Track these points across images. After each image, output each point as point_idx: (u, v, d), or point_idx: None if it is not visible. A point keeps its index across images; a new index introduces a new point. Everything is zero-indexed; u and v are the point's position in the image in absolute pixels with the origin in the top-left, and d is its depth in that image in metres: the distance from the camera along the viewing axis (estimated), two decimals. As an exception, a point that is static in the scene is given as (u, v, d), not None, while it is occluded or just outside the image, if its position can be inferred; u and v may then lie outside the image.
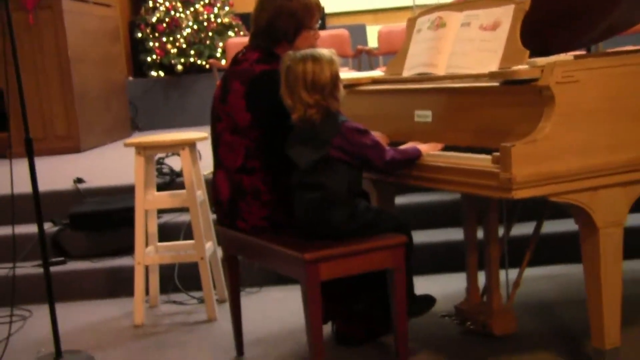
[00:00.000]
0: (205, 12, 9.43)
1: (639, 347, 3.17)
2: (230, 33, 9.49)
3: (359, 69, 7.36)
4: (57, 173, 5.83)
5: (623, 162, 2.73)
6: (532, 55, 2.90)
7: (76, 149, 7.40)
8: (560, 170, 2.63)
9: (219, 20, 9.49)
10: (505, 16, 3.04)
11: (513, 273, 3.41)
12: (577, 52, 4.00)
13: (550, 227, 4.15)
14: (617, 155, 2.72)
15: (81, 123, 7.46)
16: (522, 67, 2.76)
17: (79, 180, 5.24)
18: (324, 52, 3.02)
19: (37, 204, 3.44)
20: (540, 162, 2.59)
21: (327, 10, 10.49)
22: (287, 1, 3.23)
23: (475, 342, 3.37)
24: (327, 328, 3.45)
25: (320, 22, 3.36)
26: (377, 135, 3.19)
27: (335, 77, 2.99)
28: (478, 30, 3.15)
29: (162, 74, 9.42)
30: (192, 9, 9.42)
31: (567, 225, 3.96)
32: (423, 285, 3.64)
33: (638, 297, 3.75)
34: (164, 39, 9.33)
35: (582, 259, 2.86)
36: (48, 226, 4.78)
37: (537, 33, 3.31)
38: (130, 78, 9.69)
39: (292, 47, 3.23)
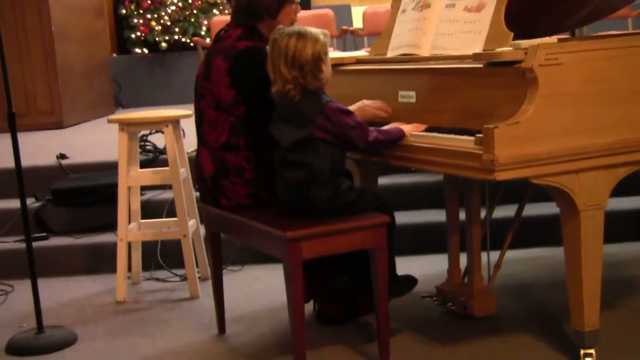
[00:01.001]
0: (191, -10, 9.37)
1: (617, 329, 3.21)
2: (215, 11, 9.44)
3: (344, 49, 7.36)
4: (39, 149, 5.81)
5: (605, 145, 2.74)
6: (516, 38, 2.90)
7: (59, 125, 7.37)
8: (542, 153, 2.64)
9: (203, -2, 9.45)
10: (491, -2, 3.04)
11: (494, 255, 3.44)
12: (561, 36, 4.01)
13: (532, 209, 4.17)
14: (599, 138, 2.73)
15: (64, 99, 7.42)
16: (506, 49, 2.76)
17: (62, 156, 5.22)
18: (312, 30, 3.02)
19: (19, 179, 3.43)
20: (523, 144, 2.60)
21: (312, -10, 10.47)
22: None
23: (455, 323, 3.40)
24: (309, 307, 3.46)
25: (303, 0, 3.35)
26: (377, 104, 3.21)
27: (318, 57, 2.99)
28: (462, 12, 3.15)
29: (146, 51, 9.38)
30: (177, -15, 9.36)
31: (548, 208, 4.02)
32: (405, 266, 3.67)
33: (617, 280, 3.78)
34: (149, 16, 9.28)
35: (563, 241, 2.88)
36: (30, 202, 4.76)
37: (522, 16, 3.32)
38: (114, 55, 9.63)
39: (274, 22, 3.23)
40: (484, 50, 2.96)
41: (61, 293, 4.21)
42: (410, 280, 3.33)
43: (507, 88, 2.75)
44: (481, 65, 2.86)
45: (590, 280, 2.84)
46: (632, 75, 2.81)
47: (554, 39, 2.82)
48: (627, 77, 2.79)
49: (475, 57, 2.89)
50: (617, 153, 2.78)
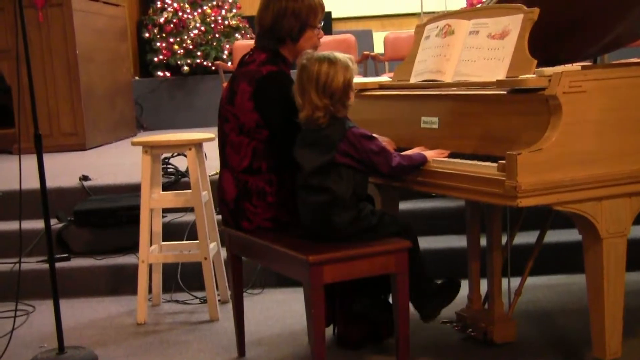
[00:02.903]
0: (213, 14, 9.45)
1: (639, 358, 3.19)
2: (237, 35, 9.51)
3: (365, 74, 7.38)
4: (62, 170, 5.85)
5: (628, 173, 2.75)
6: (539, 65, 2.92)
7: (82, 147, 7.43)
8: (565, 180, 2.65)
9: (226, 22, 9.52)
10: (514, 25, 3.06)
11: (515, 281, 3.43)
12: (584, 63, 4.02)
13: (553, 236, 4.17)
14: (622, 165, 2.74)
15: (87, 121, 7.48)
16: (530, 76, 2.78)
17: (85, 178, 5.26)
18: (342, 57, 3.04)
19: (44, 201, 3.46)
20: (546, 171, 2.61)
21: (334, 15, 10.53)
22: (291, 1, 3.25)
23: (475, 349, 3.38)
24: (329, 331, 3.46)
25: (323, 22, 3.38)
26: (383, 140, 3.21)
27: (348, 85, 3.01)
28: (486, 39, 3.17)
29: (168, 74, 9.45)
30: (199, 10, 9.44)
31: (570, 235, 4.01)
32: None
33: (639, 309, 3.76)
34: (171, 40, 9.36)
35: (584, 268, 2.87)
36: (53, 222, 4.78)
37: (545, 43, 3.34)
38: (137, 77, 9.71)
39: (296, 46, 3.26)
40: (507, 77, 2.98)
41: (82, 314, 4.23)
42: (451, 287, 3.31)
43: (530, 115, 2.76)
44: (504, 92, 2.87)
45: (612, 307, 2.83)
46: (656, 102, 2.81)
47: (577, 66, 2.83)
48: (649, 105, 2.80)
49: (499, 83, 2.90)
50: (640, 181, 2.78)
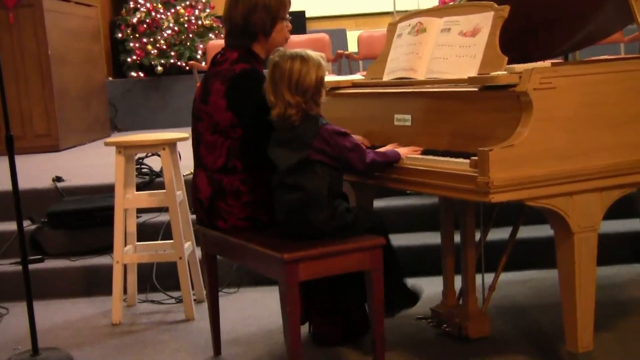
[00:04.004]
0: (186, 14, 9.44)
1: (611, 351, 3.22)
2: (211, 35, 9.51)
3: (339, 73, 7.40)
4: (36, 171, 5.82)
5: (598, 168, 2.78)
6: (512, 62, 2.94)
7: (55, 148, 7.39)
8: (537, 175, 2.67)
9: (199, 22, 9.50)
10: (485, 23, 3.08)
11: (489, 277, 3.45)
12: (555, 60, 4.05)
13: (526, 232, 4.21)
14: (592, 161, 2.76)
15: (60, 122, 7.45)
16: (501, 73, 2.80)
17: (58, 179, 5.23)
18: (314, 54, 3.04)
19: (17, 202, 3.44)
20: (518, 166, 2.63)
21: (308, 15, 10.55)
22: None
23: (450, 345, 3.41)
24: (304, 328, 3.47)
25: (292, 23, 3.39)
26: (357, 138, 3.22)
27: (320, 82, 3.02)
28: (458, 36, 3.19)
29: (141, 74, 9.42)
30: (173, 10, 9.42)
31: (543, 230, 4.04)
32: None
33: (611, 303, 3.80)
34: (145, 40, 9.33)
35: (557, 263, 2.90)
36: (26, 224, 4.76)
37: (517, 40, 3.36)
38: (110, 78, 9.67)
39: (268, 41, 3.27)
40: (479, 74, 2.99)
41: (57, 315, 4.21)
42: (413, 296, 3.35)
43: (502, 111, 2.78)
44: (476, 89, 2.89)
45: (584, 302, 2.86)
46: (624, 99, 2.85)
47: (547, 63, 2.85)
48: (619, 101, 2.83)
49: (471, 80, 2.92)
50: (611, 176, 2.81)
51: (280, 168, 3.03)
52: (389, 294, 3.12)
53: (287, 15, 3.34)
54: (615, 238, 4.41)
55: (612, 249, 4.28)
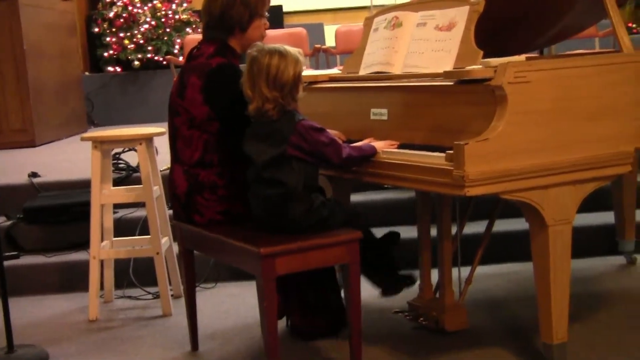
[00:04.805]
0: (163, 8, 9.39)
1: (585, 343, 3.25)
2: (188, 30, 9.47)
3: (317, 67, 7.40)
4: (11, 167, 5.78)
5: (572, 162, 2.80)
6: (488, 56, 2.96)
7: (31, 143, 7.33)
8: (511, 168, 2.69)
9: (177, 17, 9.47)
10: (460, 17, 3.09)
11: (465, 270, 3.47)
12: (530, 54, 4.08)
13: (502, 225, 4.23)
14: (566, 154, 2.79)
15: (36, 117, 7.39)
16: (476, 67, 2.82)
17: (34, 174, 5.20)
18: (292, 50, 3.05)
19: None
20: (493, 160, 2.65)
21: (285, 9, 10.53)
22: None
23: (427, 338, 3.42)
24: (282, 323, 3.48)
25: (270, 17, 3.39)
26: (333, 133, 3.23)
27: (297, 78, 3.02)
28: (433, 31, 3.20)
29: (118, 69, 9.37)
30: (150, 4, 9.38)
31: (518, 224, 4.07)
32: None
33: (585, 295, 3.83)
34: (121, 34, 9.28)
35: (532, 256, 2.93)
36: (1, 220, 4.75)
37: (492, 35, 3.38)
38: (87, 73, 9.61)
39: (244, 36, 3.27)
40: (454, 68, 3.01)
41: (33, 312, 4.19)
42: (410, 279, 3.37)
43: (477, 105, 2.80)
44: (452, 83, 2.91)
45: (558, 294, 2.89)
46: (597, 93, 2.87)
47: (522, 57, 2.87)
48: (593, 95, 2.86)
49: (446, 75, 2.93)
50: (584, 169, 2.84)
51: (257, 162, 3.03)
52: (382, 272, 3.14)
53: (266, 13, 3.34)
54: (590, 231, 4.45)
55: (586, 242, 4.32)
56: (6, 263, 3.88)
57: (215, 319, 3.88)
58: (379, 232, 3.31)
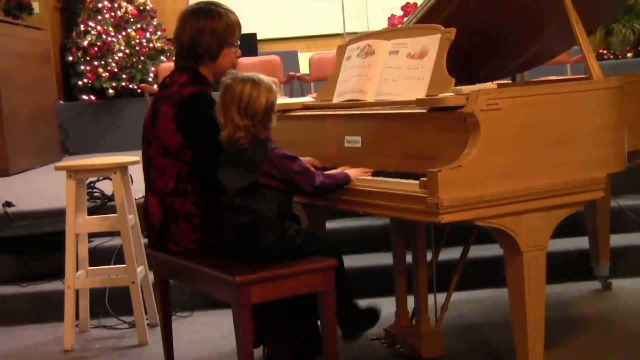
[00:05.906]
0: (137, 37, 9.41)
1: (561, 368, 3.27)
2: (163, 58, 9.49)
3: (291, 94, 7.43)
4: (-16, 197, 5.74)
5: (545, 188, 2.82)
6: (461, 83, 2.98)
7: (5, 172, 7.29)
8: (485, 195, 2.70)
9: (151, 45, 9.48)
10: (432, 45, 3.12)
11: (441, 297, 3.48)
12: (503, 81, 4.12)
13: (477, 251, 4.25)
14: (539, 180, 2.81)
15: (10, 146, 7.35)
16: (448, 95, 2.84)
17: (8, 204, 5.17)
18: (266, 79, 3.06)
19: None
20: (466, 187, 2.66)
21: (259, 37, 10.57)
22: (209, 20, 3.26)
23: (404, 365, 3.43)
24: (259, 351, 3.46)
25: (239, 41, 3.40)
26: (307, 160, 3.24)
27: (270, 107, 3.03)
28: (406, 58, 3.23)
29: (93, 97, 9.36)
30: (124, 33, 9.39)
31: (493, 250, 4.07)
32: (353, 308, 3.68)
33: (561, 320, 3.85)
34: (96, 63, 9.28)
35: (507, 281, 2.94)
36: (-25, 250, 4.71)
37: (464, 62, 3.41)
38: (61, 101, 9.59)
39: (215, 64, 3.29)
40: (427, 95, 3.03)
41: (7, 343, 4.15)
42: (373, 314, 3.36)
43: (450, 132, 2.82)
44: (424, 111, 2.93)
45: (534, 319, 2.90)
46: (568, 119, 2.90)
47: (494, 84, 2.90)
48: (563, 121, 2.89)
49: (419, 102, 2.96)
50: (557, 195, 2.86)
51: (229, 190, 3.03)
52: (346, 317, 3.14)
53: (236, 42, 3.36)
54: (564, 256, 4.48)
55: (561, 267, 4.35)
56: (-21, 294, 3.85)
57: (192, 347, 3.86)
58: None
